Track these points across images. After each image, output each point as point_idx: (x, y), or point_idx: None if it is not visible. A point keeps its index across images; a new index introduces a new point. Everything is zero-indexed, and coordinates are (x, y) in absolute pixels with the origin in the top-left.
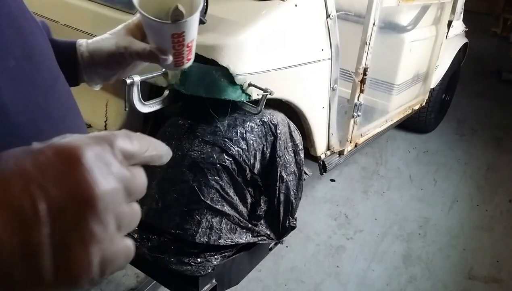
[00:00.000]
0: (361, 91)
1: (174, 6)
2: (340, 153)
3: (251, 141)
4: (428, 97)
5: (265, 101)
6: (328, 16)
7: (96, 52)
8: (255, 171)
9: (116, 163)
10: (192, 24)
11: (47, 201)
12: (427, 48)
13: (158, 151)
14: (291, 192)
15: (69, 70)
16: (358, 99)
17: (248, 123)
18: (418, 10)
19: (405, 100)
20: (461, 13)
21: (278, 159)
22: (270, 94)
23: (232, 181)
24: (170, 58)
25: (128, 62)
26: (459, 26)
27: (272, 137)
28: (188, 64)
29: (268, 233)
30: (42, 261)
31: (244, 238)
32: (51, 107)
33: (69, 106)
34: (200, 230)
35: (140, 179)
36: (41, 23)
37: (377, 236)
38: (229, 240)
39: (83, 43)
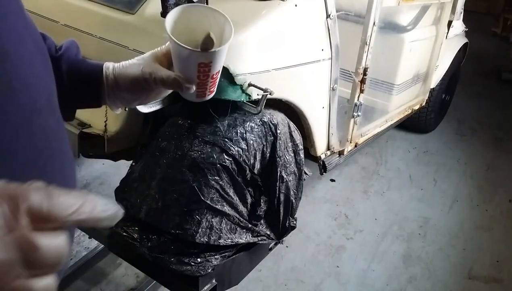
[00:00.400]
0: (361, 91)
1: (206, 34)
2: (340, 153)
3: (251, 141)
4: (428, 97)
5: (265, 101)
6: (328, 16)
7: (121, 76)
8: (255, 171)
9: (18, 226)
10: (221, 55)
11: None
12: (427, 48)
13: (95, 213)
14: (291, 192)
15: (93, 92)
16: (358, 99)
17: (248, 123)
18: (418, 10)
19: (405, 100)
20: (461, 13)
21: (278, 159)
22: (270, 94)
23: (232, 181)
24: (194, 88)
25: (152, 89)
26: (459, 26)
27: (272, 137)
28: (210, 96)
29: (268, 233)
30: None
31: (244, 238)
32: (17, 147)
33: (44, 147)
34: (200, 230)
35: (54, 247)
36: (70, 43)
37: (377, 236)
38: (229, 240)
39: (110, 66)
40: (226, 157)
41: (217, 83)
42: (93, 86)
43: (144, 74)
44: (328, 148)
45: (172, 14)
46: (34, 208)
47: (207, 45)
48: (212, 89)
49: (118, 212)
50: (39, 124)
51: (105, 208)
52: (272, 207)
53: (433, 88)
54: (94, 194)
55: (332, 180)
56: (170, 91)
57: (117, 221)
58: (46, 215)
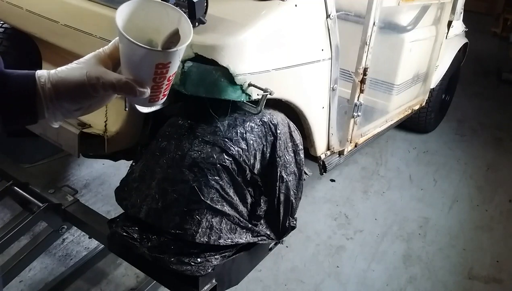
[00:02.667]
0: (361, 91)
1: (173, 30)
2: (340, 153)
3: (251, 141)
4: (428, 97)
5: (265, 101)
6: (328, 16)
7: (61, 83)
8: (255, 171)
9: None
10: (180, 55)
11: None
12: (427, 48)
13: None
14: (291, 192)
15: (26, 107)
16: (358, 99)
17: (248, 123)
18: (418, 10)
19: (405, 101)
20: (461, 13)
21: (278, 159)
22: (270, 94)
23: (232, 181)
24: (148, 91)
25: (98, 95)
26: (459, 26)
27: (272, 137)
28: (162, 100)
29: (268, 233)
30: None
31: (244, 238)
32: None
33: None
34: (200, 230)
35: None
36: None
37: (377, 236)
38: (229, 240)
39: (45, 74)
40: (226, 157)
41: (169, 87)
42: (24, 99)
43: (90, 80)
44: (328, 148)
45: (123, 9)
46: None
47: (171, 44)
48: (165, 93)
49: None
50: None
51: None
52: (272, 207)
53: (433, 88)
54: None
55: (332, 180)
56: (114, 96)
57: None
58: None
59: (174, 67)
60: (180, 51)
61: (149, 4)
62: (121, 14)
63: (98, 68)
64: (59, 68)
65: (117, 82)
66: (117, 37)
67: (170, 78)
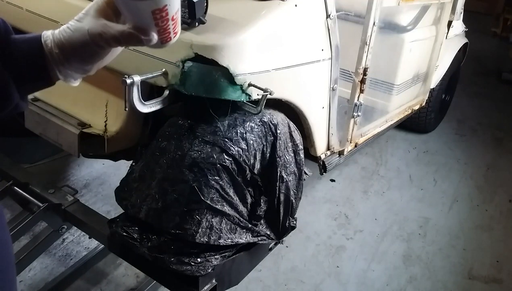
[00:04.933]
0: (361, 91)
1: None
2: (340, 153)
3: (251, 141)
4: (428, 97)
5: (265, 101)
6: (328, 16)
7: (66, 46)
8: (255, 171)
9: None
10: None
11: None
12: (427, 48)
13: None
14: (291, 192)
15: (38, 73)
16: (358, 99)
17: (248, 123)
18: (418, 10)
19: (405, 101)
20: (461, 13)
21: (278, 159)
22: (270, 94)
23: (232, 181)
24: (155, 37)
25: (106, 50)
26: (459, 26)
27: (272, 137)
28: (175, 38)
29: (268, 233)
30: None
31: (244, 238)
32: None
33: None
34: (200, 230)
35: None
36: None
37: (377, 236)
38: (229, 240)
39: (49, 37)
40: (226, 157)
41: (179, 21)
42: (37, 67)
43: (93, 38)
44: (328, 148)
45: None
46: None
47: None
48: (176, 30)
49: None
50: None
51: None
52: (272, 207)
53: (433, 88)
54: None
55: (332, 180)
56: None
57: None
58: None
59: (174, 6)
60: None
61: None
62: None
63: (98, 22)
64: (62, 28)
65: (121, 35)
66: None
67: (174, 17)
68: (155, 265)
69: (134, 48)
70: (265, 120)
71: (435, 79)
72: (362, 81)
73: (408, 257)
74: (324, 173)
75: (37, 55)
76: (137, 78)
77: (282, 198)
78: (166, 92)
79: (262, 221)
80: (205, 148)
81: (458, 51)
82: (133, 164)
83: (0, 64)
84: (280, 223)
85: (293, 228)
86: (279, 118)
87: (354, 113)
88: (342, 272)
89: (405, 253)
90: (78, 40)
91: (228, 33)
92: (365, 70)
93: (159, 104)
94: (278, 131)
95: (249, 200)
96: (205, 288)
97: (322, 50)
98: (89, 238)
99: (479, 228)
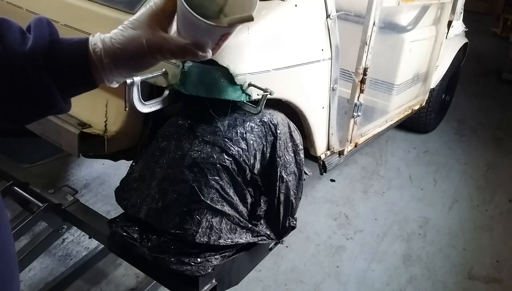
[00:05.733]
0: (361, 91)
1: (247, 16)
2: (340, 153)
3: (251, 141)
4: (428, 97)
5: (265, 101)
6: (328, 16)
7: (119, 55)
8: (255, 171)
9: None
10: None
11: None
12: (427, 48)
13: None
14: (291, 192)
15: (83, 77)
16: (358, 99)
17: (248, 123)
18: (418, 10)
19: (405, 101)
20: (461, 13)
21: (278, 159)
22: (270, 94)
23: (232, 181)
24: (210, 54)
25: (159, 61)
26: (459, 26)
27: (272, 137)
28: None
29: (268, 233)
30: None
31: (244, 238)
32: None
33: None
34: (200, 230)
35: None
36: (38, 26)
37: (377, 236)
38: (229, 240)
39: (98, 44)
40: (226, 157)
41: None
42: (82, 75)
43: (151, 50)
44: (328, 148)
45: None
46: None
47: (238, 22)
48: (221, 47)
49: None
50: None
51: None
52: (272, 207)
53: (433, 88)
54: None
55: (332, 180)
56: None
57: None
58: None
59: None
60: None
61: None
62: None
63: (156, 34)
64: (113, 34)
65: (179, 50)
66: None
67: (230, 36)
68: (155, 265)
69: None
70: (265, 120)
71: (435, 79)
72: (362, 81)
73: (408, 257)
74: (324, 173)
75: (83, 62)
76: (137, 78)
77: (282, 198)
78: (166, 92)
79: (262, 221)
80: (205, 148)
81: (458, 51)
82: (133, 164)
83: (44, 69)
84: (280, 223)
85: (293, 228)
86: (279, 118)
87: (354, 113)
88: (342, 272)
89: (405, 253)
90: (134, 51)
91: None
92: (365, 70)
93: (159, 104)
94: (278, 131)
95: (249, 200)
96: (205, 288)
97: (322, 50)
98: (89, 238)
99: (479, 228)
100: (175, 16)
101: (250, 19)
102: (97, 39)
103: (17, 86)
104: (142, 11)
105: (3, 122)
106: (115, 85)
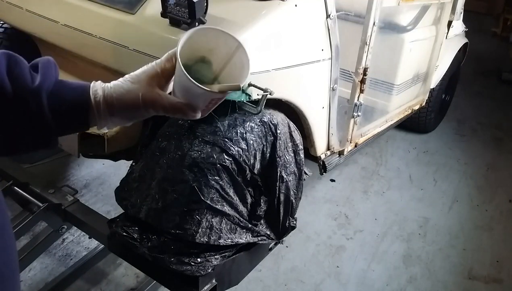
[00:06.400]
0: (361, 91)
1: (235, 85)
2: (340, 153)
3: (251, 141)
4: (428, 97)
5: (265, 101)
6: (328, 16)
7: (115, 104)
8: (255, 171)
9: None
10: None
11: None
12: (427, 48)
13: None
14: (291, 192)
15: (80, 120)
16: (358, 99)
17: (248, 123)
18: (418, 10)
19: (405, 101)
20: (461, 13)
21: (278, 159)
22: (270, 94)
23: (232, 181)
24: (199, 116)
25: (151, 114)
26: (459, 26)
27: (272, 137)
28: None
29: (268, 233)
30: None
31: (244, 238)
32: None
33: None
34: (200, 230)
35: None
36: (46, 66)
37: (377, 236)
38: (229, 240)
39: (99, 92)
40: (226, 157)
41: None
42: (80, 115)
43: (145, 104)
44: (328, 148)
45: (184, 40)
46: None
47: (227, 89)
48: (210, 110)
49: None
50: None
51: None
52: (272, 207)
53: (433, 88)
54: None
55: (332, 180)
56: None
57: None
58: None
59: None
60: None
61: (210, 31)
62: (183, 44)
63: (152, 90)
64: (113, 85)
65: (171, 108)
66: (170, 52)
67: (219, 101)
68: (155, 265)
69: (135, 48)
70: (265, 120)
71: (435, 79)
72: (362, 81)
73: (408, 257)
74: (324, 173)
75: (83, 106)
76: None
77: (282, 198)
78: None
79: (262, 221)
80: (205, 148)
81: (458, 51)
82: (133, 164)
83: (47, 108)
84: (280, 223)
85: (293, 228)
86: (279, 118)
87: (354, 113)
88: (342, 272)
89: (405, 253)
90: (130, 102)
91: None
92: (365, 70)
93: None
94: (278, 131)
95: (249, 200)
96: (205, 288)
97: (322, 50)
98: (89, 238)
99: (479, 228)
100: (172, 77)
101: (237, 88)
102: (98, 86)
103: (20, 119)
104: (143, 69)
105: None
106: (105, 130)
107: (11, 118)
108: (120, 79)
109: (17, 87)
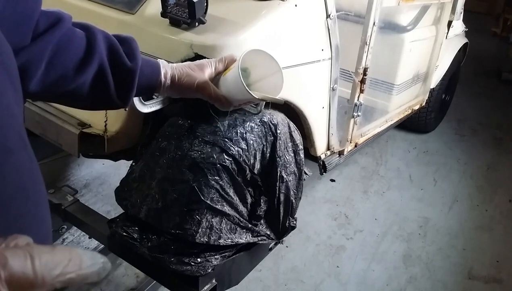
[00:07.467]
0: (361, 91)
1: (279, 99)
2: (340, 153)
3: (251, 141)
4: (428, 97)
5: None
6: (328, 16)
7: (176, 82)
8: (255, 171)
9: None
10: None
11: None
12: (427, 48)
13: (83, 271)
14: (291, 192)
15: (151, 88)
16: (358, 99)
17: (248, 123)
18: (418, 10)
19: (405, 101)
20: (461, 13)
21: (278, 159)
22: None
23: (232, 181)
24: (232, 108)
25: (197, 96)
26: (459, 26)
27: (272, 137)
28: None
29: (268, 233)
30: None
31: (244, 238)
32: None
33: (17, 190)
34: (200, 230)
35: None
36: (137, 44)
37: (377, 236)
38: (229, 240)
39: (168, 71)
40: (226, 157)
41: None
42: (152, 87)
43: (197, 89)
44: (328, 148)
45: (245, 54)
46: (16, 275)
47: (267, 99)
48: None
49: (106, 265)
50: (11, 164)
51: (92, 262)
52: (272, 207)
53: (433, 88)
54: (80, 249)
55: (332, 180)
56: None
57: (105, 274)
58: (30, 281)
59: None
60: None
61: (261, 53)
62: (243, 57)
63: (205, 80)
64: (176, 66)
65: (214, 97)
66: (224, 56)
67: (249, 104)
68: (155, 265)
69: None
70: (265, 120)
71: (435, 79)
72: (362, 81)
73: (408, 257)
74: (324, 173)
75: (157, 80)
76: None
77: (282, 198)
78: None
79: (262, 221)
80: (205, 148)
81: (458, 51)
82: (133, 164)
83: (135, 80)
84: (280, 223)
85: (293, 228)
86: (279, 118)
87: (354, 113)
88: (342, 272)
89: (405, 253)
90: (187, 85)
91: (228, 33)
92: (365, 70)
93: (159, 104)
94: (278, 131)
95: (249, 200)
96: (205, 288)
97: (322, 50)
98: (89, 238)
99: (479, 228)
100: (221, 75)
101: (280, 102)
102: (166, 66)
103: (112, 89)
104: (201, 62)
105: (83, 102)
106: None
107: (106, 90)
108: (186, 62)
109: (115, 66)
